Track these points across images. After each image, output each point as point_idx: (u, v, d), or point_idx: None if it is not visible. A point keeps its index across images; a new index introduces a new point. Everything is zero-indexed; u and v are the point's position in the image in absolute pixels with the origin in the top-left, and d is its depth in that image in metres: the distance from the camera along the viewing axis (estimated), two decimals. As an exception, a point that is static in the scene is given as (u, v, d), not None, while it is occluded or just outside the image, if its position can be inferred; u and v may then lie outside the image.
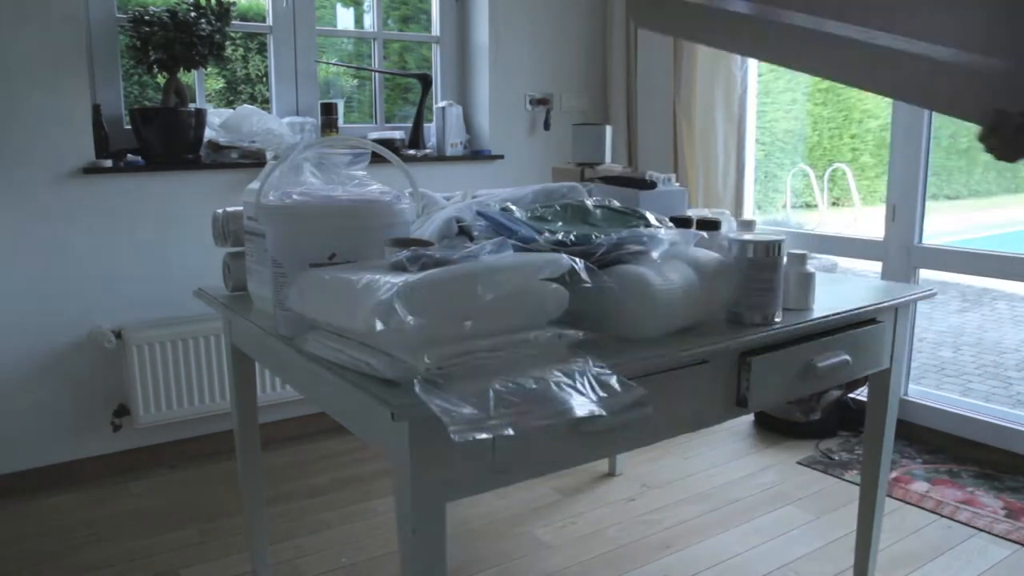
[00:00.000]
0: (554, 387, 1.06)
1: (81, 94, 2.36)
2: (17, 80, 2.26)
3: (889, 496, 2.28)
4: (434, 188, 1.80)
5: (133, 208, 2.47)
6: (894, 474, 2.44)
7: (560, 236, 1.25)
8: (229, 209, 1.59)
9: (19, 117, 2.27)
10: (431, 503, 1.02)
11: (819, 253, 3.13)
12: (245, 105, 2.72)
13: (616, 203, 1.44)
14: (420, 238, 1.32)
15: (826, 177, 7.71)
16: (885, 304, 1.49)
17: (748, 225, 1.56)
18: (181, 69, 2.50)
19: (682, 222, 1.48)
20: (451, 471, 1.02)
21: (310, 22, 2.87)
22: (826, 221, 7.00)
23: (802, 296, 1.43)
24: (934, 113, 2.65)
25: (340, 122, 2.89)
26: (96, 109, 2.43)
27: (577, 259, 1.14)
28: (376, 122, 3.14)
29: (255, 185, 1.43)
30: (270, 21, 2.81)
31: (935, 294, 1.70)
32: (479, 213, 1.34)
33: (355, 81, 3.28)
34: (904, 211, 2.68)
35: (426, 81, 3.06)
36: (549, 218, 1.35)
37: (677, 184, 3.13)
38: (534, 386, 1.03)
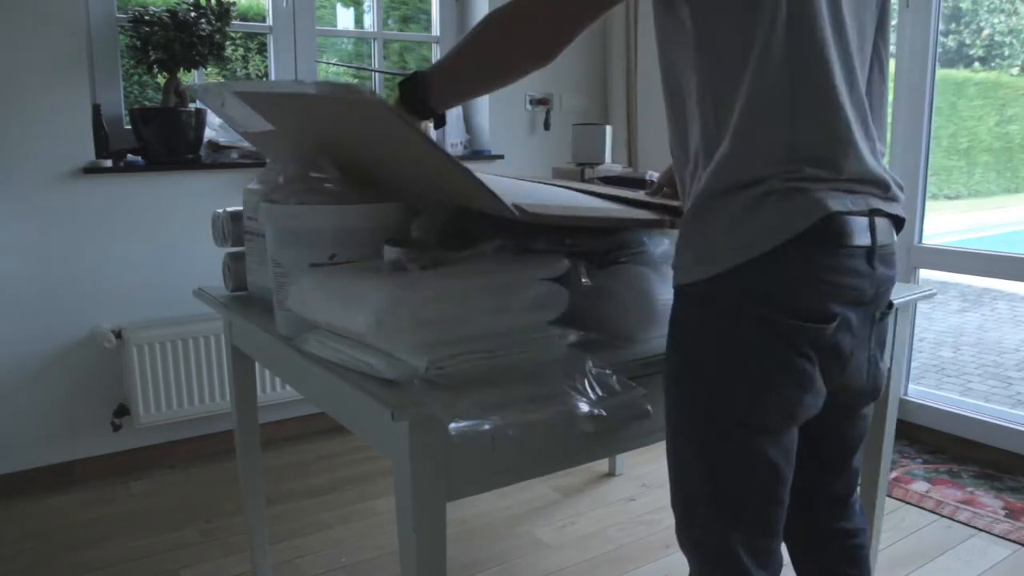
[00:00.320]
0: (554, 387, 1.06)
1: (81, 94, 2.36)
2: (17, 80, 2.26)
3: (889, 496, 2.28)
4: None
5: (133, 208, 2.47)
6: (894, 474, 2.44)
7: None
8: (229, 209, 1.59)
9: (19, 117, 2.27)
10: (431, 503, 1.02)
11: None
12: (245, 105, 2.72)
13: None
14: (420, 238, 1.32)
15: (826, 177, 7.69)
16: (885, 304, 1.49)
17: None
18: (181, 69, 2.50)
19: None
20: (451, 471, 1.02)
21: (310, 22, 2.87)
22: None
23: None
24: (934, 113, 2.65)
25: (340, 122, 2.88)
26: (96, 109, 2.43)
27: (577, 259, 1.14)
28: (376, 122, 3.13)
29: (255, 185, 1.43)
30: (270, 21, 2.81)
31: (935, 294, 1.70)
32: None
33: (355, 81, 3.28)
34: (904, 211, 2.68)
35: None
36: None
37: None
38: (534, 386, 1.04)
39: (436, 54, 3.22)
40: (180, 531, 2.17)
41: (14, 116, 2.26)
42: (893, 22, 2.79)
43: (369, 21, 3.17)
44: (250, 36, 2.95)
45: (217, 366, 2.56)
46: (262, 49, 2.95)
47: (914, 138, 2.65)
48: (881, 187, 1.04)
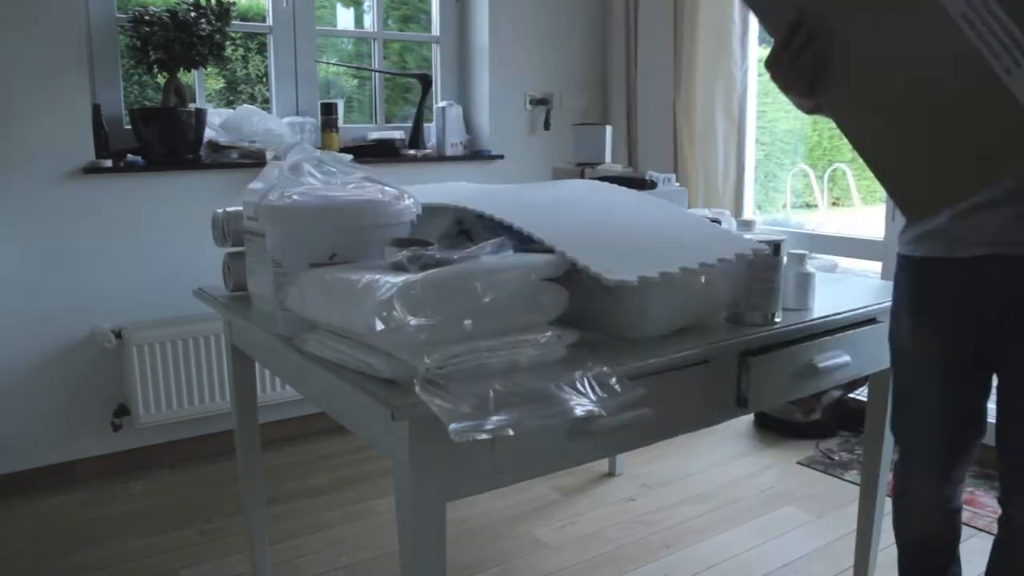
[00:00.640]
0: (554, 387, 1.06)
1: (81, 94, 2.36)
2: (17, 80, 2.26)
3: (889, 496, 2.28)
4: (434, 188, 1.80)
5: (133, 208, 2.47)
6: (894, 474, 2.43)
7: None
8: (229, 209, 1.59)
9: (19, 117, 2.27)
10: (431, 503, 1.02)
11: (819, 253, 3.13)
12: (245, 105, 2.72)
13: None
14: (420, 238, 1.32)
15: (826, 177, 7.71)
16: (885, 304, 1.49)
17: (748, 225, 1.56)
18: (181, 69, 2.50)
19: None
20: (451, 471, 1.02)
21: (310, 22, 2.87)
22: (825, 221, 7.00)
23: (802, 296, 1.43)
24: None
25: (340, 122, 2.89)
26: (96, 109, 2.43)
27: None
28: (376, 122, 3.14)
29: (255, 185, 1.43)
30: (270, 21, 2.81)
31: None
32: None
33: (355, 81, 3.28)
34: (904, 211, 2.68)
35: (426, 81, 3.06)
36: None
37: (677, 184, 3.12)
38: (534, 386, 1.04)
39: (436, 54, 3.22)
40: (180, 531, 2.17)
41: (14, 116, 2.26)
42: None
43: (369, 21, 3.18)
44: (250, 36, 2.95)
45: (217, 366, 2.56)
46: (262, 49, 2.95)
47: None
48: None
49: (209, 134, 2.63)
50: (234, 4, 2.54)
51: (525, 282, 1.12)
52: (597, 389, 1.08)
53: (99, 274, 2.44)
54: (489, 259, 1.13)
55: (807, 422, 2.75)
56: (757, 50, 3.16)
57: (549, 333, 1.13)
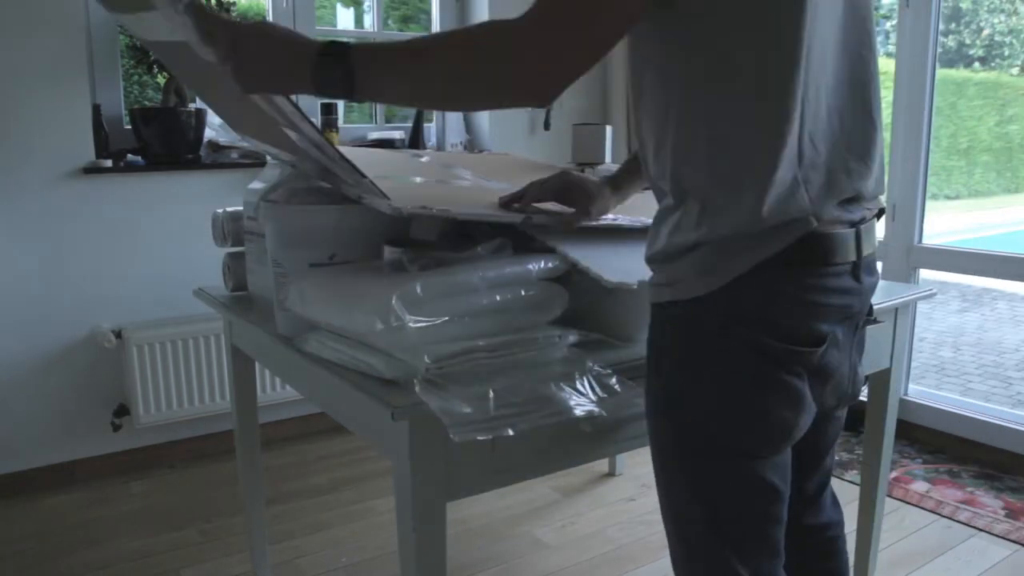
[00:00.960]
0: (554, 387, 1.06)
1: (81, 94, 2.36)
2: (17, 80, 2.26)
3: (889, 496, 2.28)
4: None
5: (133, 208, 2.46)
6: (894, 474, 2.44)
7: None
8: (229, 209, 1.59)
9: (19, 117, 2.27)
10: (431, 503, 1.02)
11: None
12: (245, 105, 2.72)
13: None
14: (420, 238, 1.32)
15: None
16: (885, 304, 1.49)
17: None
18: (181, 69, 2.50)
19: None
20: (451, 471, 1.02)
21: (310, 22, 2.87)
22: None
23: (802, 296, 1.42)
24: (934, 113, 2.65)
25: (340, 122, 2.88)
26: (96, 109, 2.43)
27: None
28: (376, 122, 3.14)
29: (255, 185, 1.43)
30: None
31: (935, 294, 1.70)
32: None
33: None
34: (904, 211, 2.69)
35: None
36: None
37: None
38: (534, 386, 1.04)
39: (436, 54, 3.22)
40: (180, 531, 2.17)
41: (14, 116, 2.26)
42: (893, 21, 2.78)
43: (369, 21, 3.17)
44: (250, 36, 2.95)
45: (217, 366, 2.56)
46: (262, 49, 2.95)
47: (914, 138, 2.65)
48: (867, 195, 0.99)
49: (209, 134, 2.62)
50: (234, 4, 2.54)
51: (525, 282, 1.12)
52: (597, 389, 1.08)
53: (99, 274, 2.44)
54: (489, 259, 1.13)
55: (807, 422, 2.75)
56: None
57: (549, 333, 1.13)
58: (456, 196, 1.24)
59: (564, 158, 3.16)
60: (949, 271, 2.69)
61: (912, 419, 2.71)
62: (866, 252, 0.98)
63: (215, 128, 2.65)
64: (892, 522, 2.14)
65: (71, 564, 2.01)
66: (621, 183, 1.32)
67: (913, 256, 2.68)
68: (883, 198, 1.06)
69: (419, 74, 0.92)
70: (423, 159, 1.57)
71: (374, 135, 3.01)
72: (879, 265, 1.09)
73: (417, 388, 0.97)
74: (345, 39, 0.98)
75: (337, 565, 2.00)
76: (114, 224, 2.44)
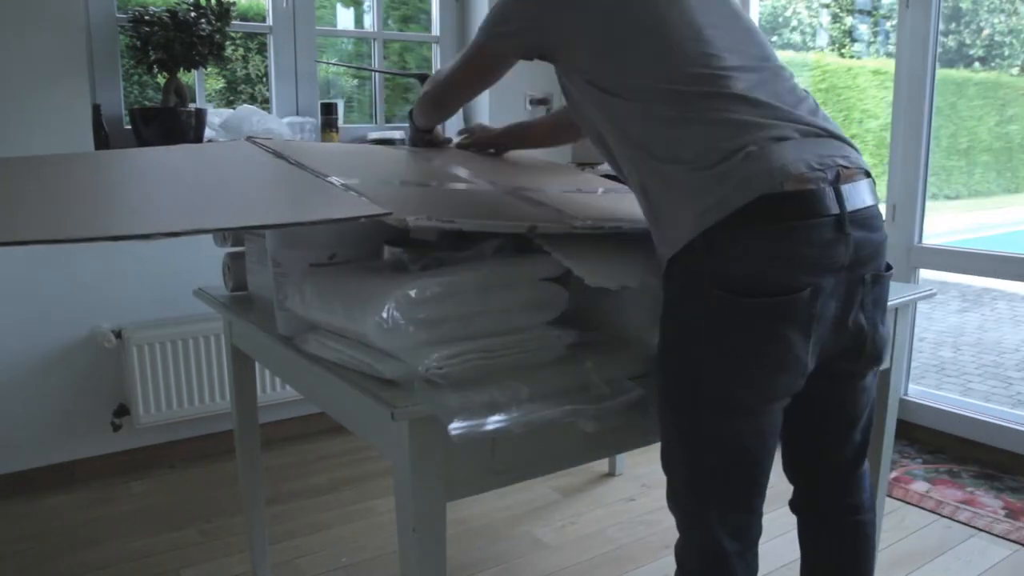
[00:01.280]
0: (554, 387, 1.06)
1: (81, 94, 2.36)
2: (17, 80, 2.26)
3: (889, 496, 2.28)
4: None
5: (133, 208, 2.46)
6: (894, 474, 2.44)
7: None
8: (229, 209, 1.59)
9: (19, 117, 2.27)
10: (431, 503, 1.02)
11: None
12: (245, 105, 2.72)
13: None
14: (420, 238, 1.32)
15: (826, 177, 7.68)
16: (885, 304, 1.49)
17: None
18: (181, 69, 2.50)
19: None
20: (451, 471, 1.03)
21: (310, 22, 2.87)
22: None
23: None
24: (934, 113, 2.65)
25: (340, 122, 2.89)
26: (96, 109, 2.43)
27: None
28: (376, 122, 3.14)
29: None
30: (270, 21, 2.81)
31: (935, 294, 1.71)
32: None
33: (355, 81, 3.28)
34: (904, 211, 2.69)
35: (426, 81, 3.05)
36: None
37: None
38: (534, 386, 1.04)
39: (436, 54, 3.22)
40: (180, 531, 2.17)
41: (14, 116, 2.26)
42: (893, 21, 2.78)
43: (369, 21, 3.17)
44: (250, 36, 2.95)
45: (217, 366, 2.56)
46: (262, 49, 2.95)
47: (914, 138, 2.65)
48: (834, 151, 1.05)
49: (209, 134, 2.62)
50: (234, 4, 2.54)
51: (525, 282, 1.13)
52: (597, 389, 1.08)
53: (99, 274, 2.44)
54: (489, 259, 1.13)
55: (807, 422, 2.75)
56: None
57: (549, 333, 1.13)
58: (458, 202, 1.24)
59: (563, 158, 3.16)
60: (949, 271, 2.69)
61: (912, 419, 2.71)
62: (852, 207, 1.01)
63: (215, 128, 2.65)
64: (892, 522, 2.14)
65: (71, 564, 2.01)
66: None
67: (913, 256, 2.68)
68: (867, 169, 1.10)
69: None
70: (422, 157, 1.57)
71: (374, 135, 3.01)
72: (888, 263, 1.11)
73: (417, 388, 0.97)
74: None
75: (337, 565, 2.00)
76: (114, 224, 2.44)
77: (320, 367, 1.13)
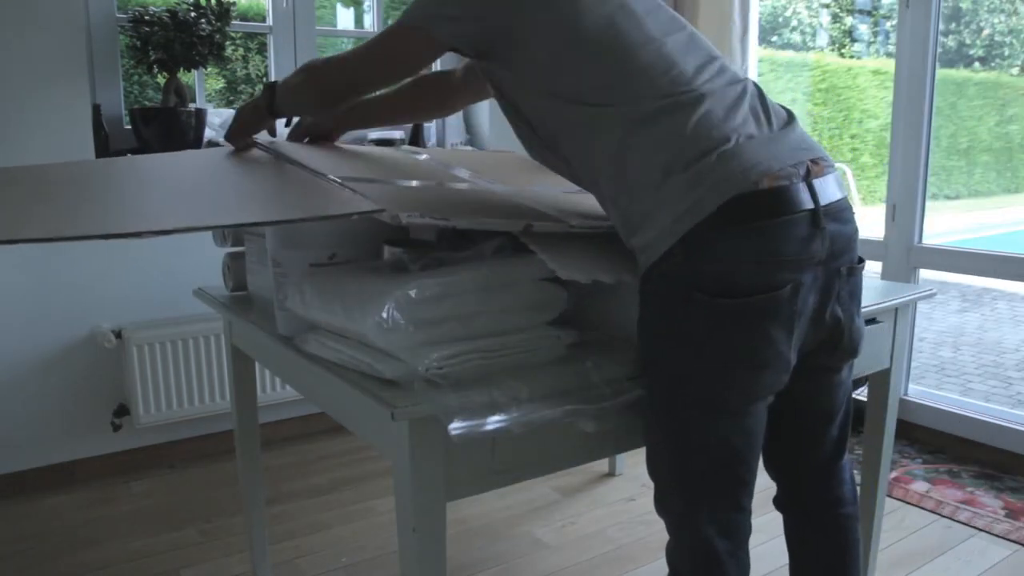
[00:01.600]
0: (554, 387, 1.06)
1: (81, 94, 2.36)
2: (17, 80, 2.26)
3: (889, 496, 2.28)
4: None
5: (133, 208, 2.46)
6: (894, 474, 2.44)
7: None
8: (229, 209, 1.59)
9: (19, 117, 2.27)
10: (431, 503, 1.02)
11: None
12: (245, 105, 2.72)
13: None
14: (420, 238, 1.32)
15: (826, 177, 7.68)
16: (885, 304, 1.49)
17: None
18: (181, 69, 2.50)
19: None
20: (451, 471, 1.02)
21: (310, 22, 2.87)
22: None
23: (802, 296, 1.42)
24: (934, 113, 2.65)
25: (340, 122, 2.88)
26: (96, 109, 2.43)
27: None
28: (376, 122, 3.13)
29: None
30: (270, 21, 2.81)
31: (935, 294, 1.71)
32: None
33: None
34: (904, 211, 2.69)
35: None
36: None
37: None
38: (534, 386, 1.04)
39: (436, 54, 3.21)
40: (180, 531, 2.17)
41: (14, 116, 2.26)
42: (893, 21, 2.78)
43: (369, 21, 3.18)
44: (250, 36, 2.95)
45: (217, 366, 2.56)
46: (262, 49, 2.95)
47: (914, 138, 2.65)
48: (798, 143, 1.05)
49: (209, 134, 2.62)
50: (234, 4, 2.54)
51: (525, 282, 1.13)
52: (597, 389, 1.08)
53: (99, 274, 2.44)
54: (489, 259, 1.13)
55: (807, 422, 2.75)
56: (757, 50, 3.16)
57: (549, 333, 1.13)
58: (454, 200, 1.24)
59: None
60: (949, 271, 2.69)
61: (912, 419, 2.71)
62: (825, 200, 1.01)
63: (215, 128, 2.65)
64: (892, 522, 2.14)
65: (71, 564, 2.01)
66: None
67: (913, 256, 2.68)
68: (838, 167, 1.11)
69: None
70: (422, 157, 1.57)
71: (374, 135, 3.01)
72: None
73: (417, 388, 0.97)
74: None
75: (337, 565, 2.00)
76: (114, 224, 2.44)
77: (320, 367, 1.13)
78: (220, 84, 3.01)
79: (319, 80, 1.25)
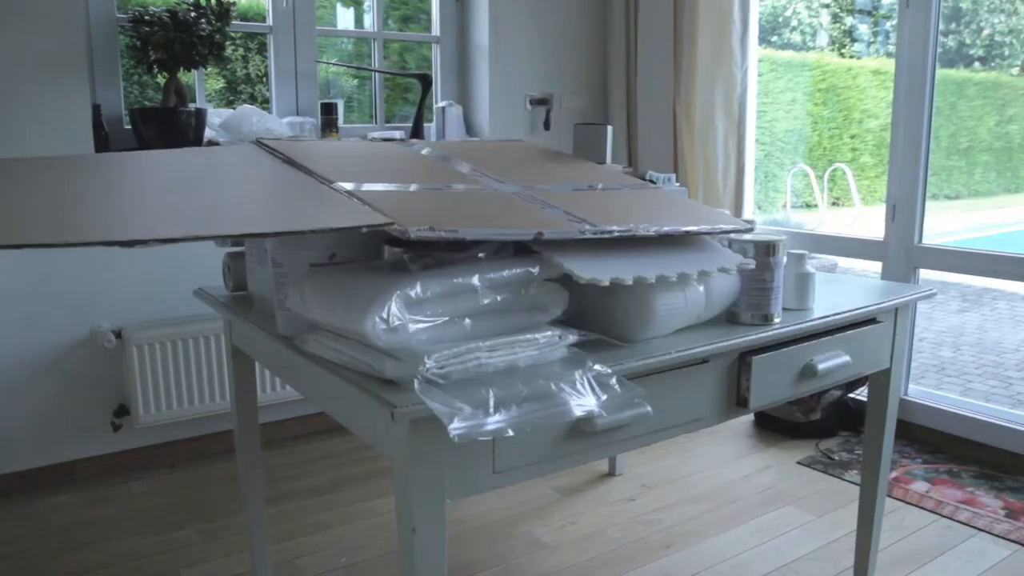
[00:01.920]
0: (554, 387, 1.06)
1: (81, 94, 2.36)
2: (17, 80, 2.26)
3: (889, 496, 2.28)
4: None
5: (133, 208, 2.46)
6: (894, 474, 2.44)
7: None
8: (229, 209, 1.59)
9: (19, 117, 2.27)
10: (431, 503, 1.02)
11: (819, 253, 3.13)
12: (245, 105, 2.72)
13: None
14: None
15: (826, 177, 7.70)
16: (885, 304, 1.49)
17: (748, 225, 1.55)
18: (181, 69, 2.50)
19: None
20: (451, 471, 1.03)
21: (310, 22, 2.87)
22: (826, 221, 7.00)
23: (802, 296, 1.43)
24: (934, 113, 2.65)
25: (340, 122, 2.89)
26: (96, 109, 2.43)
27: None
28: (376, 122, 3.14)
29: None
30: (270, 21, 2.81)
31: (935, 294, 1.71)
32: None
33: (355, 81, 3.28)
34: (904, 211, 2.69)
35: (426, 81, 3.06)
36: None
37: (677, 184, 3.13)
38: (534, 386, 1.04)
39: (436, 54, 3.22)
40: (180, 531, 2.17)
41: (14, 116, 2.26)
42: (893, 21, 2.78)
43: (369, 21, 3.18)
44: (250, 36, 2.95)
45: (217, 366, 2.56)
46: (262, 49, 2.95)
47: (914, 138, 2.65)
48: None
49: (209, 134, 2.63)
50: (234, 4, 2.54)
51: (525, 282, 1.12)
52: (597, 389, 1.08)
53: (99, 274, 2.44)
54: (489, 259, 1.13)
55: (807, 422, 2.75)
56: (757, 50, 3.16)
57: (549, 333, 1.13)
58: (462, 208, 1.24)
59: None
60: (949, 271, 2.69)
61: (912, 419, 2.71)
62: None
63: (215, 128, 2.65)
64: (892, 522, 2.14)
65: (71, 564, 2.01)
66: None
67: (913, 256, 2.68)
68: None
69: None
70: (423, 152, 1.57)
71: (374, 135, 3.01)
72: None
73: (417, 388, 0.97)
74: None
75: (337, 565, 2.00)
76: (114, 224, 2.44)
77: (320, 367, 1.13)
78: (220, 84, 3.01)
79: None
